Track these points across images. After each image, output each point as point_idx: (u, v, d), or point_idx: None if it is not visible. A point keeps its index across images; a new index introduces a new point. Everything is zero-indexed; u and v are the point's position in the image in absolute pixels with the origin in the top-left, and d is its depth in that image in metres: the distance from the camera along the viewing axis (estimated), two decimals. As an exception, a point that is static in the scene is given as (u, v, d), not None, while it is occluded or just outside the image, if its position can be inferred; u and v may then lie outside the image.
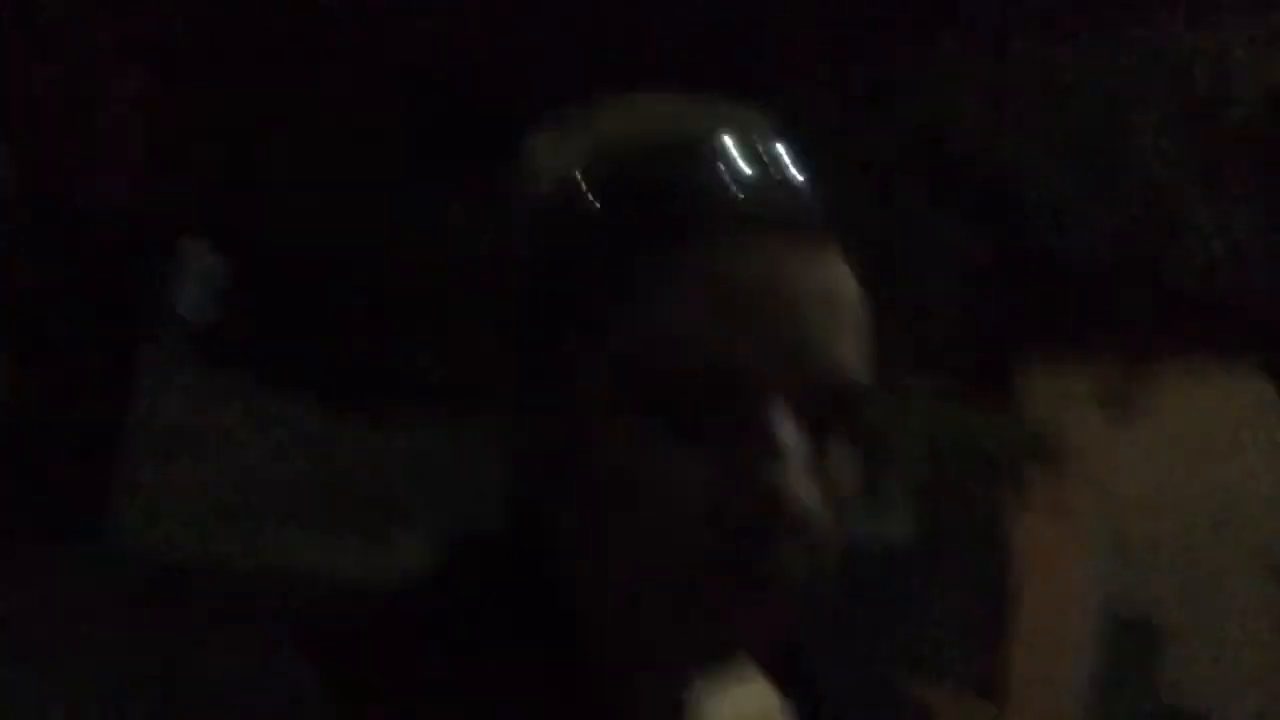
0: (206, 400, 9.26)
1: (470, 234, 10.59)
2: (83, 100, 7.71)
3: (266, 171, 9.35)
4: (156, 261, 8.23)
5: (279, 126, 9.90)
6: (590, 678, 0.59)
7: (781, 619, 0.57)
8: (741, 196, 0.55)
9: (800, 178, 0.56)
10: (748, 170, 0.55)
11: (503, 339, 0.60)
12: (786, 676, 0.68)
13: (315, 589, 7.89)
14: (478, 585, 0.61)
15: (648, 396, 0.54)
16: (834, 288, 0.55)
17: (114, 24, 7.59)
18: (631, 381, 0.54)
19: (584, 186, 0.56)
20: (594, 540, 0.57)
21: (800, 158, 0.57)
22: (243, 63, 8.49)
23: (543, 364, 0.58)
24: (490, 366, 0.60)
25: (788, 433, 0.54)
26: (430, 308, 10.50)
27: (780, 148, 0.57)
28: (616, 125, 0.58)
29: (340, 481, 9.90)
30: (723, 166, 0.55)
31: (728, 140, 0.56)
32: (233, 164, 8.99)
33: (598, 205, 0.56)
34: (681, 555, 0.54)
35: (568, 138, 0.59)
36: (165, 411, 8.73)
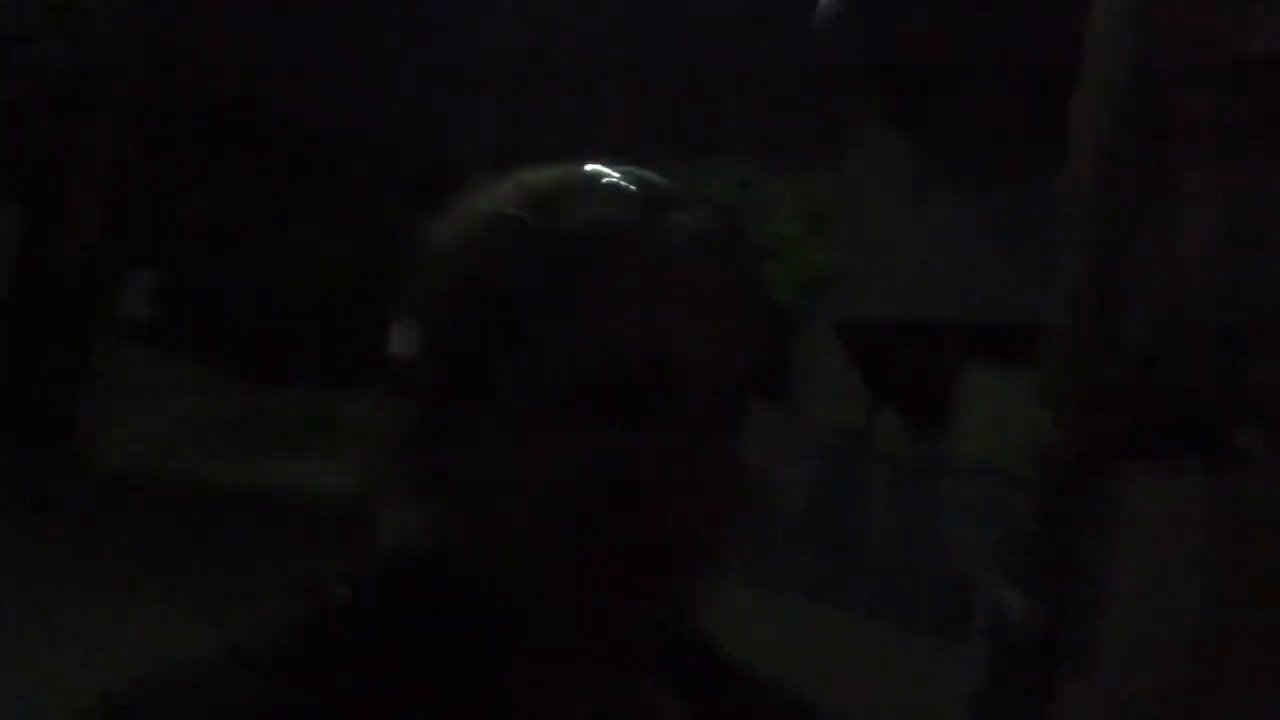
0: (145, 364, 14.24)
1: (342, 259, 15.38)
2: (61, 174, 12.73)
3: (185, 221, 14.40)
4: (114, 281, 13.25)
5: (198, 190, 14.88)
6: (521, 682, 0.63)
7: (685, 583, 0.61)
8: (658, 225, 0.62)
9: (701, 213, 0.64)
10: (662, 205, 0.63)
11: (425, 368, 0.64)
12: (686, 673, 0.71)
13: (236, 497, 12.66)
14: (405, 604, 0.64)
15: (588, 399, 0.59)
16: (735, 298, 0.63)
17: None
18: (571, 386, 0.59)
19: (518, 223, 0.62)
20: (537, 541, 0.60)
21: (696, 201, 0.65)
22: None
23: (463, 387, 0.62)
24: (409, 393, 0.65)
25: (711, 417, 0.60)
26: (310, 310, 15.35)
27: (682, 193, 0.65)
28: (544, 174, 0.65)
29: (245, 421, 14.76)
30: (637, 204, 0.62)
31: (639, 182, 0.64)
32: (162, 217, 14.05)
33: (530, 239, 0.61)
34: (630, 541, 0.58)
35: (498, 186, 0.65)
36: (116, 371, 13.71)
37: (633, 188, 0.63)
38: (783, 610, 7.94)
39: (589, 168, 0.65)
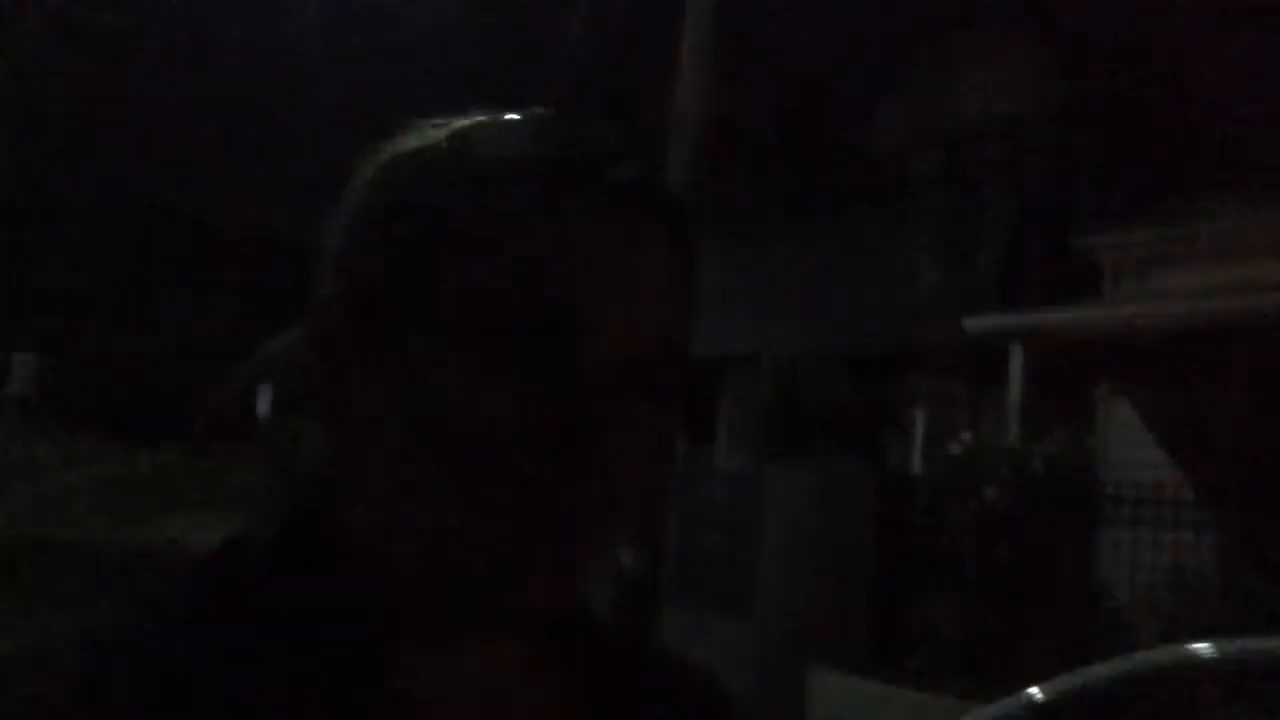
0: (31, 439, 15.49)
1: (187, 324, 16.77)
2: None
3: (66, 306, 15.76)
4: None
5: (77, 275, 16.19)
6: (386, 640, 0.58)
7: (584, 554, 0.57)
8: (586, 174, 0.59)
9: (636, 173, 0.61)
10: (594, 155, 0.60)
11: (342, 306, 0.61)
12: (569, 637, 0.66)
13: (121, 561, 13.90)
14: (267, 567, 0.60)
15: (487, 334, 0.56)
16: (658, 258, 0.59)
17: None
18: (472, 320, 0.56)
19: (444, 152, 0.60)
20: (422, 490, 0.56)
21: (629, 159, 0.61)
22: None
23: (374, 313, 0.59)
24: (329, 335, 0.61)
25: (606, 373, 0.56)
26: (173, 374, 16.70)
27: (620, 149, 0.62)
28: (476, 117, 0.63)
29: (124, 485, 16.01)
30: (567, 149, 0.60)
31: (575, 130, 0.61)
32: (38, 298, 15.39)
33: (455, 169, 0.59)
34: (498, 483, 0.55)
35: (427, 126, 0.63)
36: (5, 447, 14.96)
37: (566, 133, 0.62)
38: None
39: (524, 113, 0.63)
